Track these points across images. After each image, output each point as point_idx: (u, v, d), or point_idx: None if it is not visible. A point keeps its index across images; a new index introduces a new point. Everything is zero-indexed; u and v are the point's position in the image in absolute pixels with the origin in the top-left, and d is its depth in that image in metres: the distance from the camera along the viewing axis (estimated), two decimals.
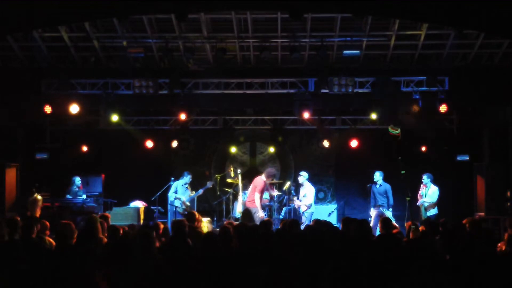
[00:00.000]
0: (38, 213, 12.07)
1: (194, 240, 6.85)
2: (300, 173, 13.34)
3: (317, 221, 8.41)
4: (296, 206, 13.06)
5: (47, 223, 8.22)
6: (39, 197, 12.19)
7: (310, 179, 13.76)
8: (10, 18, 9.27)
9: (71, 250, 6.14)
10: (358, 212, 13.87)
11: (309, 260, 5.69)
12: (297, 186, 13.64)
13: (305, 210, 12.86)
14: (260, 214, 11.84)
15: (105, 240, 7.53)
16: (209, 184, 13.64)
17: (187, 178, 13.31)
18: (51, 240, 7.82)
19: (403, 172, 12.03)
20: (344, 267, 4.94)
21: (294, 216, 12.95)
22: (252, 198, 12.17)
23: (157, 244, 6.93)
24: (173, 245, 6.48)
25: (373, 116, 13.88)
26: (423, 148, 14.61)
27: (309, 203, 12.91)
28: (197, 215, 8.79)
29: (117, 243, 6.44)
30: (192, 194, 13.35)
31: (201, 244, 6.11)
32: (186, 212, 12.93)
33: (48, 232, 8.08)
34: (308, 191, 12.97)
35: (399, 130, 13.52)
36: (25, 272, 5.68)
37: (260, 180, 12.30)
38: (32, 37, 12.72)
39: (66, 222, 7.62)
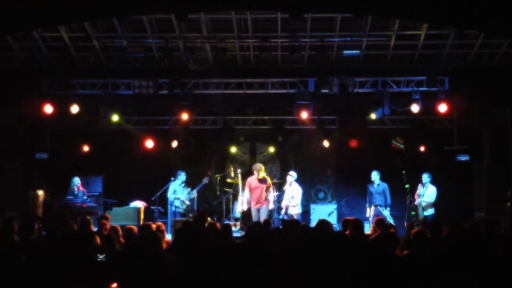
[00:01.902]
0: (40, 209, 12.09)
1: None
2: (289, 173, 13.20)
3: (321, 221, 8.37)
4: (283, 207, 12.97)
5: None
6: (40, 192, 12.22)
7: (310, 179, 13.75)
8: (10, 18, 9.26)
9: (68, 252, 6.12)
10: (358, 212, 13.85)
11: (310, 261, 5.69)
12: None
13: (295, 213, 12.82)
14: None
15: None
16: (205, 180, 13.64)
17: (182, 177, 13.32)
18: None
19: (407, 186, 12.06)
20: (346, 268, 4.96)
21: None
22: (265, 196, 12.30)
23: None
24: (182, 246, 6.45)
25: (373, 116, 13.89)
26: (422, 148, 14.61)
27: (297, 204, 12.90)
28: (207, 216, 8.79)
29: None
30: (190, 193, 13.38)
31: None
32: (185, 213, 12.96)
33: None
34: (296, 192, 12.92)
35: (403, 144, 13.52)
36: (23, 273, 5.67)
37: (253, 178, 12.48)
38: (32, 37, 12.71)
39: (69, 222, 7.62)
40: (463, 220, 11.17)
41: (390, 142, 13.63)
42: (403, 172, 11.98)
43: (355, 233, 7.20)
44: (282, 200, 13.43)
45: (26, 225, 7.20)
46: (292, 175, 13.02)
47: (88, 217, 9.14)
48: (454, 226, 7.06)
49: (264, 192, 12.32)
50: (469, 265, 5.42)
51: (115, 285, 5.20)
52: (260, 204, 12.31)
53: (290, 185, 12.97)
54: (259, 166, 12.67)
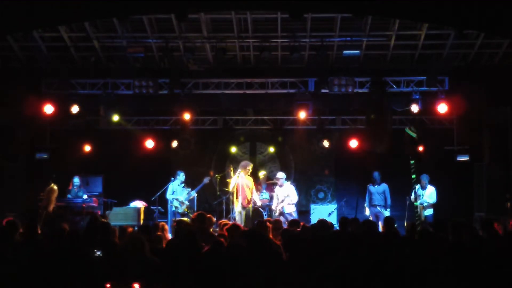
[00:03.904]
0: (53, 204, 12.26)
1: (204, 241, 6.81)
2: (277, 176, 13.23)
3: (321, 221, 8.39)
4: (275, 208, 12.97)
5: None
6: (55, 187, 12.40)
7: (310, 179, 13.69)
8: (10, 18, 9.26)
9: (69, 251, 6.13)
10: (358, 212, 13.83)
11: (312, 261, 5.70)
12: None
13: (292, 210, 12.84)
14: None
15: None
16: (206, 180, 13.62)
17: (181, 177, 13.31)
18: None
19: (414, 176, 12.04)
20: (347, 267, 4.96)
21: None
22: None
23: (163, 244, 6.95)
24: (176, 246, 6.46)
25: (373, 116, 13.88)
26: (421, 148, 14.60)
27: (295, 201, 12.94)
28: (206, 216, 8.77)
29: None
30: (189, 193, 13.37)
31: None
32: (185, 212, 12.95)
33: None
34: (291, 191, 12.99)
35: (416, 133, 13.50)
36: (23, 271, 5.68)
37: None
38: (32, 37, 12.72)
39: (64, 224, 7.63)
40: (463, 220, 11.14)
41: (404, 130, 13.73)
42: (412, 162, 11.96)
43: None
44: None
45: (29, 225, 7.20)
46: (281, 177, 13.08)
47: (98, 215, 9.18)
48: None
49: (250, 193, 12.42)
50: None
51: (109, 285, 5.20)
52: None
53: (281, 186, 13.01)
54: (249, 163, 12.71)
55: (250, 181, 12.55)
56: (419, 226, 9.86)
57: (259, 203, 12.80)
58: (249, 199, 12.38)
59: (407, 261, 5.78)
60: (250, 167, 12.57)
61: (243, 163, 12.73)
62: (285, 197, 12.87)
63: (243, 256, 5.77)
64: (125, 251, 5.60)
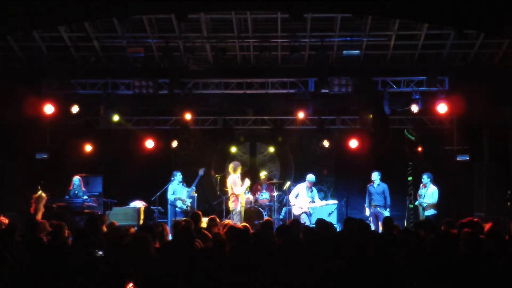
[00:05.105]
0: (42, 210, 12.20)
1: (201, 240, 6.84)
2: (309, 179, 13.08)
3: (320, 221, 8.38)
4: (298, 207, 12.96)
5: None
6: (43, 194, 12.34)
7: None
8: (10, 18, 9.27)
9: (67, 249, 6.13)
10: (358, 212, 13.83)
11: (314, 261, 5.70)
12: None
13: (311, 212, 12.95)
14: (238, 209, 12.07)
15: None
16: (201, 172, 13.64)
17: (178, 177, 13.33)
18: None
19: (410, 178, 12.04)
20: (346, 267, 4.96)
21: (294, 217, 12.95)
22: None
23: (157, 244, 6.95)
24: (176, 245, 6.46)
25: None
26: (420, 148, 14.61)
27: (318, 205, 12.98)
28: (200, 215, 8.81)
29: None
30: (189, 190, 13.39)
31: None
32: (188, 210, 12.96)
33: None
34: (316, 195, 13.07)
35: (415, 136, 13.51)
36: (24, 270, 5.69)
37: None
38: (32, 37, 12.72)
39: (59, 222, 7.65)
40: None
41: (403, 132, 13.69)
42: (410, 163, 11.96)
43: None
44: (282, 199, 13.42)
45: (30, 225, 7.22)
46: (312, 180, 13.06)
47: (98, 213, 9.18)
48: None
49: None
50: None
51: (131, 284, 5.17)
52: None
53: (312, 190, 13.03)
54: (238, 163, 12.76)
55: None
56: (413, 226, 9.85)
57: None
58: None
59: (400, 260, 5.79)
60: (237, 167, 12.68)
61: (237, 162, 12.80)
62: (313, 200, 12.94)
63: (243, 256, 5.78)
64: (130, 249, 5.59)
